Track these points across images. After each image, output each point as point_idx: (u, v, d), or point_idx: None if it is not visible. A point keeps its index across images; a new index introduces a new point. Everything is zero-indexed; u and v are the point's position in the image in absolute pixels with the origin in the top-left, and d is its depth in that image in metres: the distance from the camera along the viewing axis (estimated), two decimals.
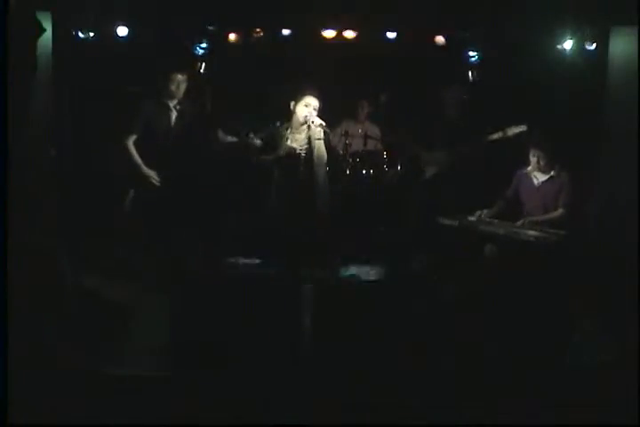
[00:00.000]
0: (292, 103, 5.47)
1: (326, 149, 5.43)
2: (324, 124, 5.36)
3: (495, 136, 6.32)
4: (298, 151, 5.44)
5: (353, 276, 6.06)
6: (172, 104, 5.97)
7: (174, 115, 5.98)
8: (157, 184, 5.96)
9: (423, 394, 4.19)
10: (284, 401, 4.05)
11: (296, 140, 5.47)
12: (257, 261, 6.12)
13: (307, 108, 5.41)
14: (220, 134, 6.34)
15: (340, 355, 4.57)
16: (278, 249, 5.70)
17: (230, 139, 6.35)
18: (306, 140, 5.44)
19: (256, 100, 6.80)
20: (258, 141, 5.87)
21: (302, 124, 5.44)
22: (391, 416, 3.97)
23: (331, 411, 3.98)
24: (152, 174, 5.93)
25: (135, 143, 5.95)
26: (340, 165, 6.80)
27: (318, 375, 4.36)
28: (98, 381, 4.21)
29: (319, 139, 5.39)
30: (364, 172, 6.93)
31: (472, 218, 5.81)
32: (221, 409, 3.97)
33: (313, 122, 5.37)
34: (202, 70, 6.58)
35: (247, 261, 6.25)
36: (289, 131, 5.49)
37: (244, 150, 6.08)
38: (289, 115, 5.50)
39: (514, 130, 6.22)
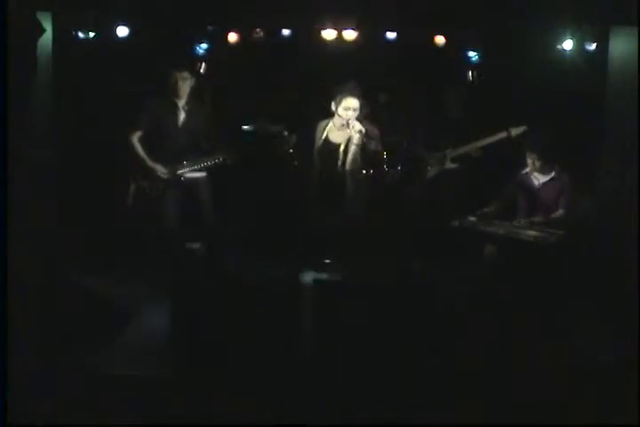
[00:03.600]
0: (333, 104, 5.48)
1: (362, 155, 5.45)
2: (363, 130, 5.37)
3: (498, 137, 6.32)
4: (334, 150, 5.47)
5: (352, 276, 6.06)
6: (173, 102, 5.98)
7: (177, 113, 5.99)
8: (164, 180, 5.97)
9: (423, 394, 4.19)
10: (284, 401, 4.06)
11: (334, 139, 5.50)
12: (261, 260, 6.13)
13: (346, 111, 5.41)
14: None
15: (341, 355, 4.57)
16: (287, 249, 5.74)
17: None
18: (344, 141, 5.47)
19: (256, 100, 6.80)
20: (292, 139, 5.86)
21: (343, 125, 5.46)
22: (391, 416, 3.98)
23: (331, 411, 3.98)
24: (157, 169, 5.94)
25: (140, 140, 5.96)
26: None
27: (318, 375, 4.36)
28: (98, 381, 4.21)
29: (357, 145, 5.42)
30: (363, 172, 6.92)
31: (472, 218, 5.81)
32: (221, 409, 3.97)
33: (353, 126, 5.39)
34: (202, 70, 6.58)
35: (252, 260, 6.26)
36: (328, 129, 5.51)
37: (274, 148, 6.07)
38: (329, 114, 5.52)
39: (516, 131, 6.21)
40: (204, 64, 6.56)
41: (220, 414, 3.92)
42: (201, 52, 6.53)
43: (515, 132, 6.22)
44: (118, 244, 6.24)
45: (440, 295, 5.57)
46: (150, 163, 5.94)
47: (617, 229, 5.86)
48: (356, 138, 5.44)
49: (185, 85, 5.94)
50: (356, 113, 5.43)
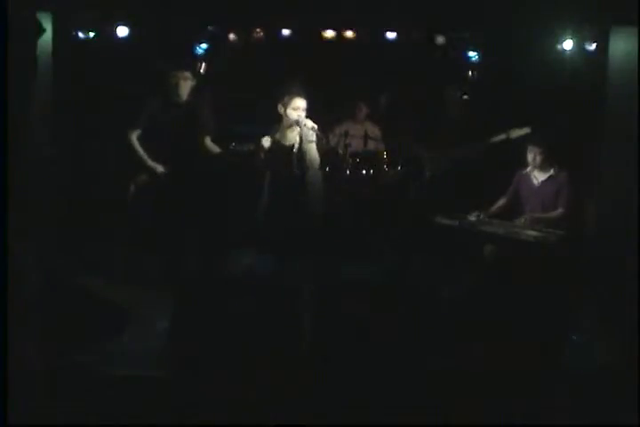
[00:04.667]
0: (280, 106, 5.40)
1: (318, 151, 5.39)
2: (315, 126, 5.32)
3: (498, 138, 6.32)
4: (288, 151, 5.39)
5: (351, 276, 6.07)
6: (174, 102, 5.99)
7: (177, 112, 5.99)
8: (161, 178, 5.97)
9: (423, 394, 4.19)
10: (284, 401, 4.06)
11: (286, 141, 5.42)
12: (255, 261, 6.13)
13: (296, 111, 5.34)
14: (208, 142, 6.29)
15: (340, 355, 4.57)
16: (274, 249, 5.70)
17: (215, 148, 6.31)
18: (297, 141, 5.40)
19: (255, 101, 6.81)
20: (245, 148, 5.87)
21: (291, 126, 5.38)
22: (391, 416, 3.98)
23: (331, 411, 3.98)
24: (157, 168, 5.95)
25: (139, 139, 5.97)
26: (340, 165, 6.81)
27: (318, 375, 4.36)
28: (98, 381, 4.21)
29: (311, 141, 5.34)
30: (363, 172, 6.93)
31: (472, 218, 5.81)
32: (221, 409, 3.97)
33: (305, 124, 5.32)
34: (202, 70, 6.59)
35: (245, 260, 6.26)
36: (278, 132, 5.43)
37: (230, 158, 6.09)
38: (277, 117, 5.45)
39: (517, 132, 6.20)
40: (203, 64, 6.57)
41: (220, 414, 3.91)
42: (201, 52, 6.54)
43: (517, 133, 6.21)
44: (118, 243, 6.24)
45: (440, 295, 5.57)
46: (150, 162, 5.95)
47: (617, 229, 5.86)
48: (309, 135, 5.35)
49: (186, 85, 5.94)
50: (304, 113, 5.35)
